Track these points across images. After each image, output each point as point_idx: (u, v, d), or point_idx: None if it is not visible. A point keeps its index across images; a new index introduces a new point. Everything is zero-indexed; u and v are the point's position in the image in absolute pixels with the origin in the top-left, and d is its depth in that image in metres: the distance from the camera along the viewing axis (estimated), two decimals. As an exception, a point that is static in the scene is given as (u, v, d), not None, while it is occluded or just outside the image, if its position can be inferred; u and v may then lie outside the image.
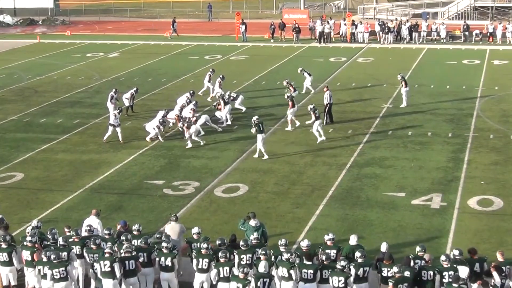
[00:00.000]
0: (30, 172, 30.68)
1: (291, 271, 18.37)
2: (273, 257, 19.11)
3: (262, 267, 18.25)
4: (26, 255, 19.66)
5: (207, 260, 19.17)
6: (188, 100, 37.24)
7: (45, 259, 18.97)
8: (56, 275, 18.82)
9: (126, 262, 18.91)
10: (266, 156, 31.31)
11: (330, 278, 18.14)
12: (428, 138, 34.09)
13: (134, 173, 30.18)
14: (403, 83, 39.80)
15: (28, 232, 20.16)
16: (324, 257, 18.63)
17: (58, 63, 55.99)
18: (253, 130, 31.47)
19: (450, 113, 38.33)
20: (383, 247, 19.57)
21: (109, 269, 18.68)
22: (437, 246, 22.54)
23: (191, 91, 39.11)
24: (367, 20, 71.56)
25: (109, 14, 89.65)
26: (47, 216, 25.72)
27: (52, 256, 18.87)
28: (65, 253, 19.21)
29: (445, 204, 26.22)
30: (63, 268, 18.85)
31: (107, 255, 18.81)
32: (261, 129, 31.29)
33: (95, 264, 19.22)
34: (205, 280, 19.32)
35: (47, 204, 27.02)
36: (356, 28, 64.28)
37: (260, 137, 31.30)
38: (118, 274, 18.74)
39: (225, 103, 37.12)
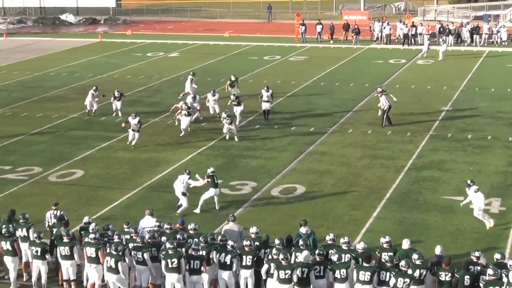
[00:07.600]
0: (90, 169, 31.12)
1: (348, 271, 18.57)
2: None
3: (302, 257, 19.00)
4: (90, 252, 19.96)
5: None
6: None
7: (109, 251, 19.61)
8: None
9: (192, 261, 19.25)
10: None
11: (393, 279, 18.06)
12: (487, 141, 33.69)
13: (192, 172, 30.28)
14: None
15: (93, 229, 20.47)
16: (387, 259, 18.58)
17: (119, 62, 56.67)
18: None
19: (511, 117, 37.80)
20: (438, 250, 19.52)
21: (176, 265, 19.07)
22: (495, 251, 22.18)
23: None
24: (428, 22, 70.88)
25: (170, 14, 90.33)
26: (105, 213, 26.10)
27: (117, 248, 19.45)
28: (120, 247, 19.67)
29: (504, 208, 25.90)
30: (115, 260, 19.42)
31: (170, 252, 19.11)
32: (215, 182, 26.46)
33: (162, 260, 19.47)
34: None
35: (106, 202, 27.39)
36: (415, 29, 63.69)
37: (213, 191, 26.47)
38: (183, 269, 19.14)
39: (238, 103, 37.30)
